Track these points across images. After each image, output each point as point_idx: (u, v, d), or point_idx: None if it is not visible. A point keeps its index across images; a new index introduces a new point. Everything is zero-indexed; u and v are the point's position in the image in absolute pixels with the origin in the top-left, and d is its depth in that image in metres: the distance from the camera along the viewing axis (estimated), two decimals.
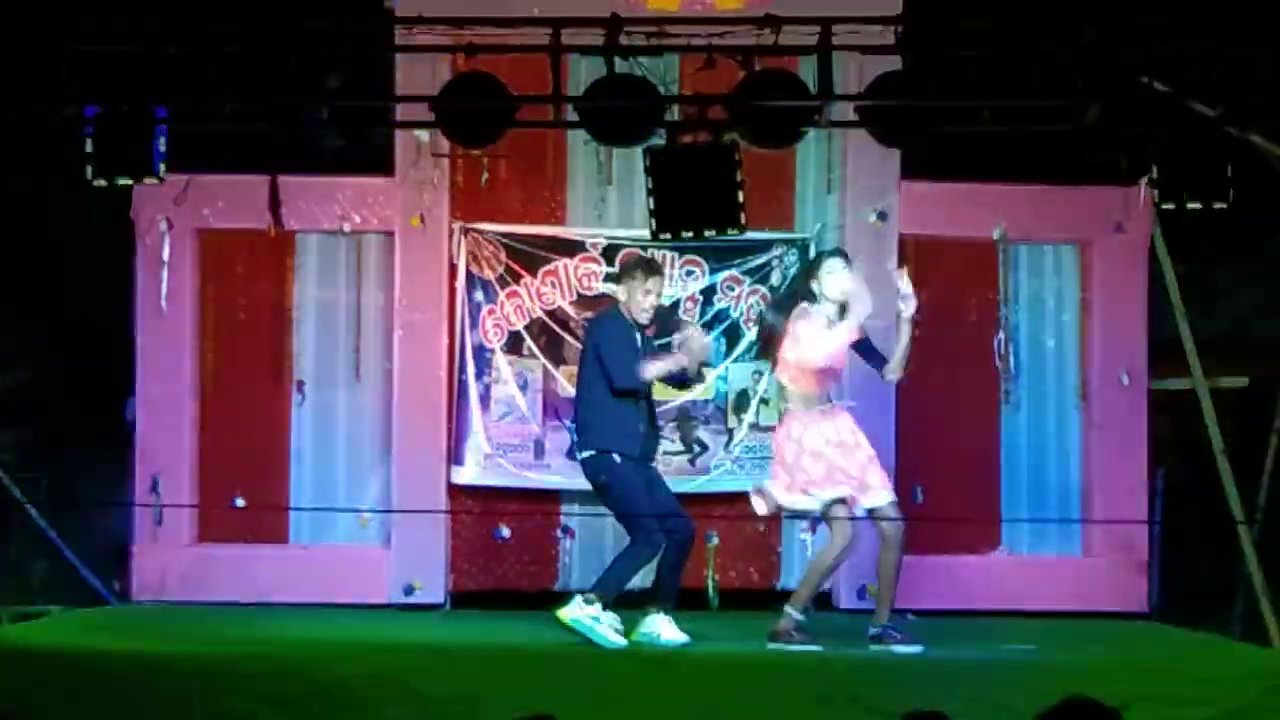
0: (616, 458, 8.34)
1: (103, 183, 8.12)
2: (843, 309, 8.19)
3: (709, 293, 9.76)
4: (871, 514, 8.26)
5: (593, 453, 8.40)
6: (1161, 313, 9.78)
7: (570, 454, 9.65)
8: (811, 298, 8.25)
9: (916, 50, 8.15)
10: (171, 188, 8.95)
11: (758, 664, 7.95)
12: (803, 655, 8.08)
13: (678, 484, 9.60)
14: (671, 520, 8.44)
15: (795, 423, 8.30)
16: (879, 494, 8.24)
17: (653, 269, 8.60)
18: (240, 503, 9.75)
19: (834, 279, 8.22)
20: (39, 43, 8.04)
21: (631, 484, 8.36)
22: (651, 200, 8.09)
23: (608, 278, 9.65)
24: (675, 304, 9.74)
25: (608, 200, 9.80)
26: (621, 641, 8.21)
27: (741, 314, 9.80)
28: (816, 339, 8.17)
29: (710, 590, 9.70)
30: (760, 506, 8.40)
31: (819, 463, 8.21)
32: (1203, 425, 9.64)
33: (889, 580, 8.30)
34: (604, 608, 8.24)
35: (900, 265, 8.57)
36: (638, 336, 8.49)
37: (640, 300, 8.43)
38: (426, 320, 9.67)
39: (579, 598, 8.29)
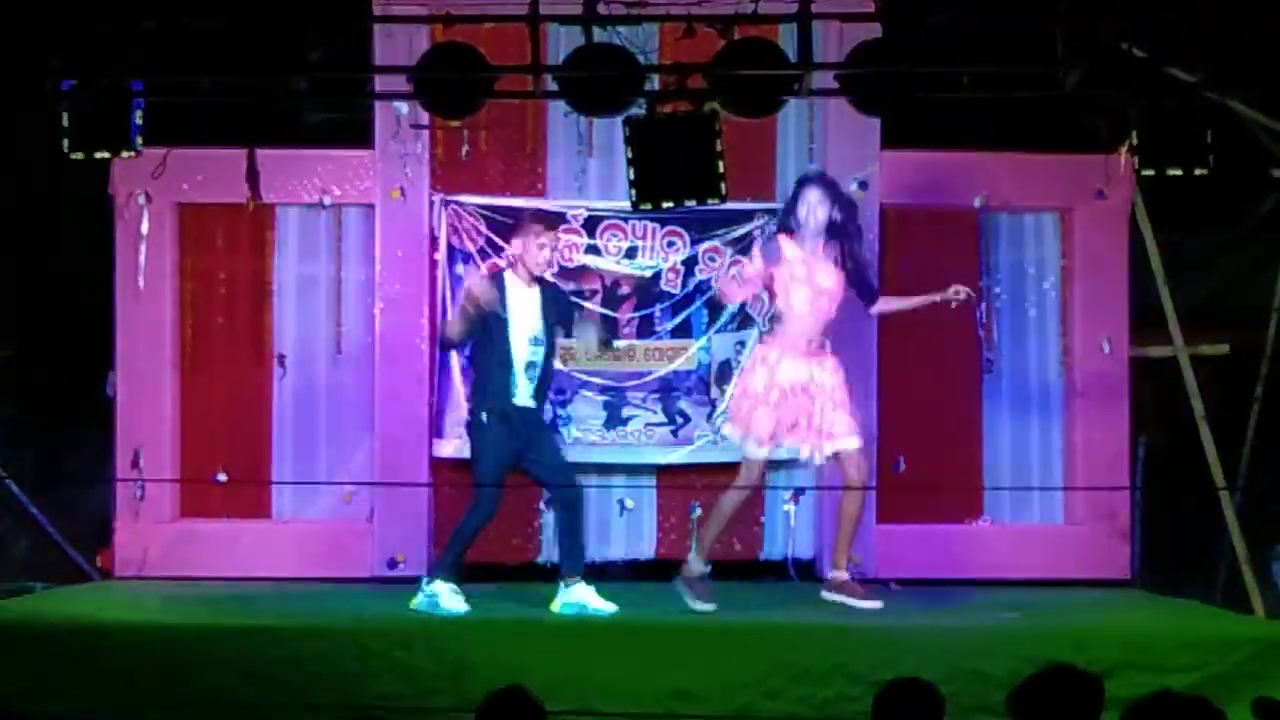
0: (483, 416, 8.49)
1: (80, 156, 8.10)
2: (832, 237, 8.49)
3: (690, 264, 9.73)
4: (836, 457, 8.38)
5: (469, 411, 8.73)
6: (1142, 280, 9.78)
7: (552, 426, 9.66)
8: (791, 226, 8.51)
9: (896, 18, 8.14)
10: (150, 161, 8.89)
11: (738, 633, 7.97)
12: (787, 624, 8.10)
13: (660, 455, 9.64)
14: (555, 488, 8.68)
15: (760, 356, 8.57)
16: (843, 440, 8.36)
17: (546, 220, 8.75)
18: (222, 478, 9.73)
19: (806, 209, 8.51)
20: (17, 16, 8.01)
21: (480, 445, 8.52)
22: (632, 170, 8.07)
23: (588, 249, 9.65)
24: (657, 275, 9.73)
25: (588, 171, 9.76)
26: (462, 608, 8.36)
27: None
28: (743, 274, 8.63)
29: None
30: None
31: (759, 409, 8.38)
32: (1184, 392, 9.65)
33: (849, 527, 8.43)
34: (444, 580, 8.40)
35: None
36: (512, 299, 8.54)
37: (535, 254, 8.52)
38: (407, 293, 9.64)
39: (422, 581, 8.49)
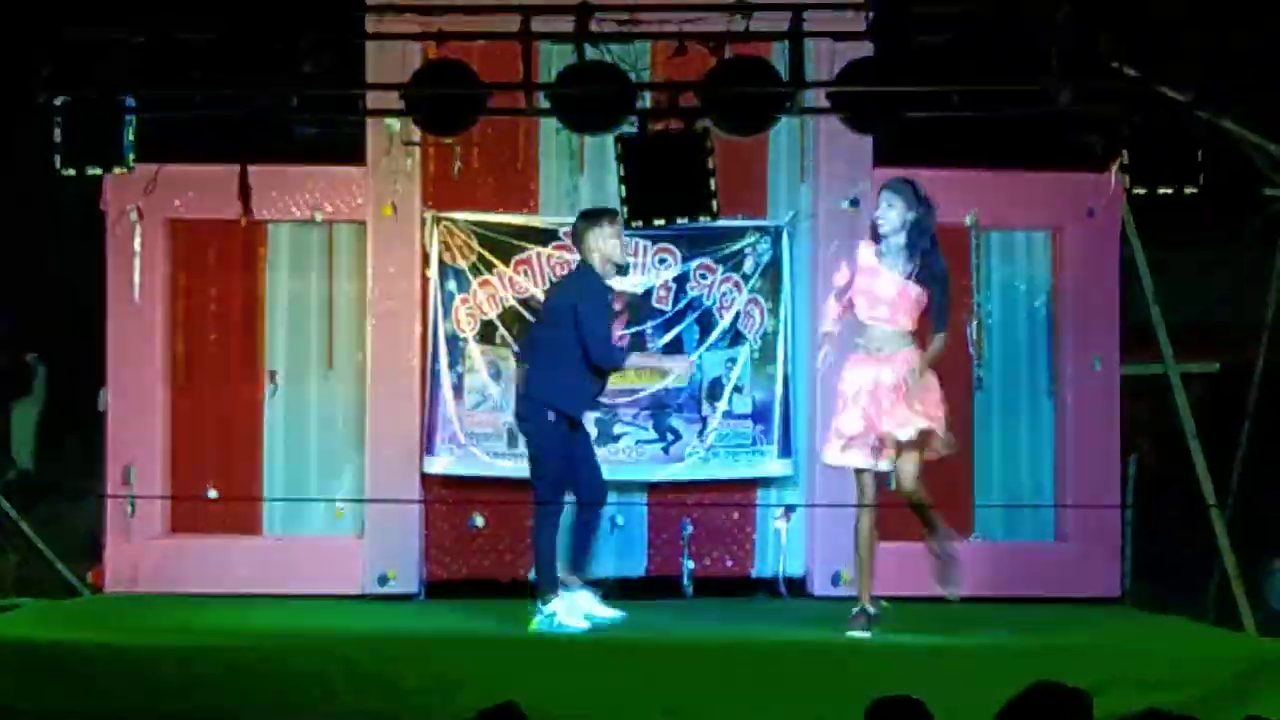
0: (551, 415, 8.45)
1: (72, 172, 8.11)
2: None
3: (682, 280, 9.74)
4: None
5: (531, 401, 8.55)
6: (1133, 298, 9.79)
7: None
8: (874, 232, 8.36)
9: (887, 36, 8.16)
10: (141, 178, 8.89)
11: (729, 650, 7.96)
12: (777, 641, 8.08)
13: (651, 471, 9.64)
14: (582, 489, 8.58)
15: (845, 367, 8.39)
16: (903, 429, 8.25)
17: (611, 213, 8.56)
18: (213, 494, 9.72)
19: (879, 211, 8.34)
20: (7, 32, 8.02)
21: (546, 446, 8.47)
22: (623, 188, 8.09)
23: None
24: (648, 292, 9.73)
25: (580, 188, 9.77)
26: (585, 624, 8.33)
27: (715, 301, 9.79)
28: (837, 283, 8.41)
29: (685, 578, 9.69)
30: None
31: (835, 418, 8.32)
32: (1175, 410, 9.66)
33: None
34: (559, 594, 8.36)
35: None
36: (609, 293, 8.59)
37: (612, 246, 8.50)
38: (399, 309, 9.64)
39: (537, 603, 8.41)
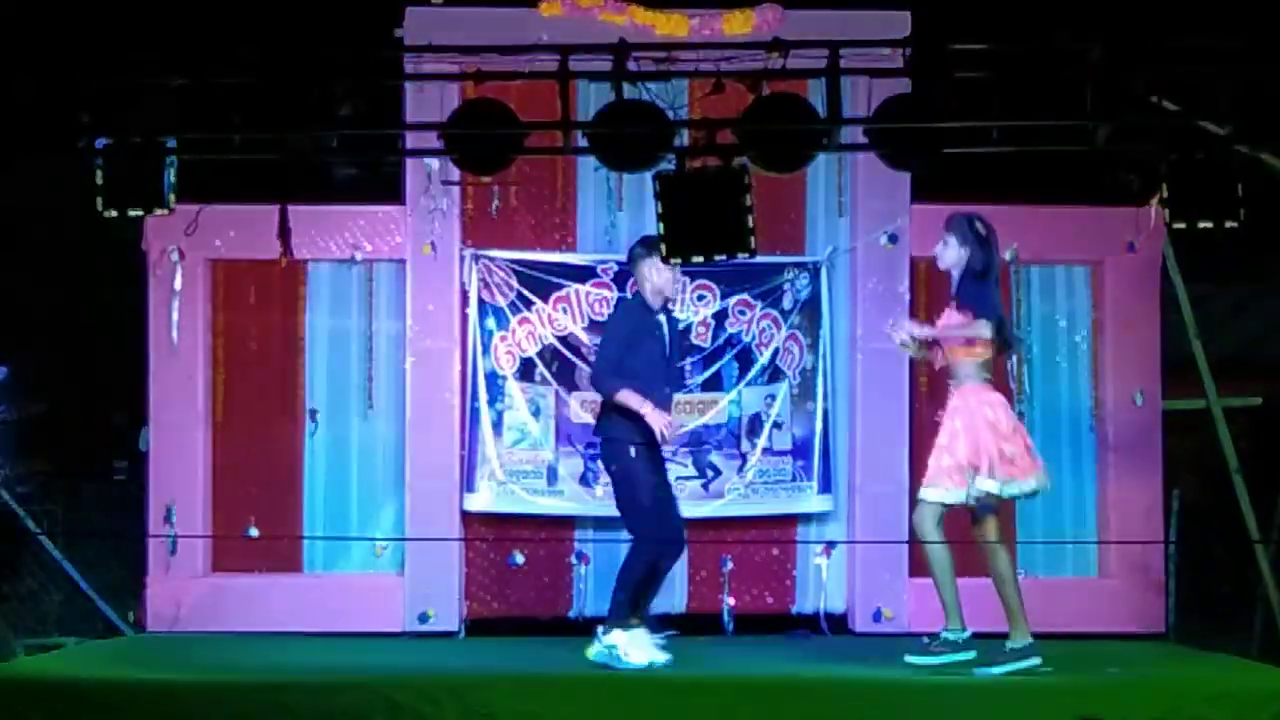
0: (632, 450, 8.36)
1: (114, 214, 8.16)
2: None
3: (720, 317, 9.74)
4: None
5: (605, 439, 8.46)
6: (1174, 332, 9.76)
7: (584, 480, 9.66)
8: None
9: (925, 72, 8.15)
10: (182, 218, 8.94)
11: (769, 687, 7.93)
12: (817, 679, 8.04)
13: (691, 509, 9.61)
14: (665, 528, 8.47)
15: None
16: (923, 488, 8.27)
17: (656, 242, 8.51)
18: (254, 532, 9.75)
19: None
20: (51, 76, 8.08)
21: (632, 480, 8.36)
22: (662, 225, 8.10)
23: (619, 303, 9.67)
24: (688, 328, 9.73)
25: (618, 226, 9.81)
26: (647, 661, 8.21)
27: (754, 338, 9.79)
28: None
29: (725, 614, 9.68)
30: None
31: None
32: (1217, 444, 9.61)
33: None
34: (625, 629, 8.24)
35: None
36: (656, 323, 8.51)
37: (656, 279, 8.43)
38: (438, 348, 9.67)
39: (598, 630, 8.31)
